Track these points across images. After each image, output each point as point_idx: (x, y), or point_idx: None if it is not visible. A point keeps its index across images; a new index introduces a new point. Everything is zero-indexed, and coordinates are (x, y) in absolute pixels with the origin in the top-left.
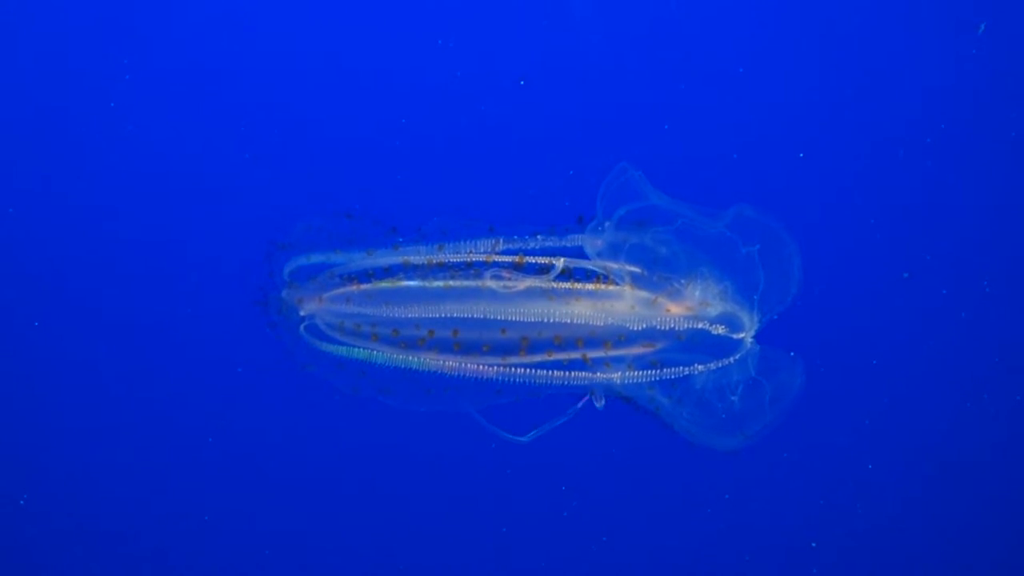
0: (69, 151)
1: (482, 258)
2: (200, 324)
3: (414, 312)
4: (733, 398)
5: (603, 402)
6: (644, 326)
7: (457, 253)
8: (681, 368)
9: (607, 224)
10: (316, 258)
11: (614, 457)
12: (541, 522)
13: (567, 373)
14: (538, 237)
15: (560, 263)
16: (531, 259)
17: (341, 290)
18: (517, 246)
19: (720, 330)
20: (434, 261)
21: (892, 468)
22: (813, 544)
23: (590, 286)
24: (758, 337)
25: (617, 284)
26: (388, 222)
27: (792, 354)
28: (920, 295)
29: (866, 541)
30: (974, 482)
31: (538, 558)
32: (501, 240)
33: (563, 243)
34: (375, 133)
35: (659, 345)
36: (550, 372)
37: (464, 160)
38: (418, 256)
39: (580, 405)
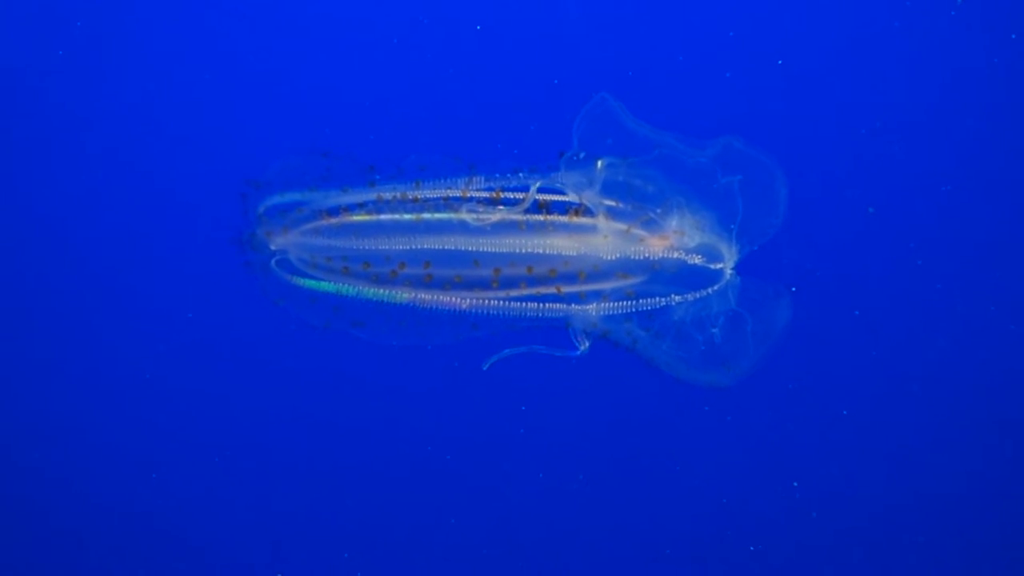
0: (36, 108)
1: (458, 194)
2: (174, 265)
3: (384, 244)
4: (714, 330)
5: (587, 345)
6: (618, 256)
7: (434, 189)
8: (658, 299)
9: (582, 155)
10: (291, 196)
11: (592, 395)
12: (513, 459)
13: (542, 305)
14: (519, 175)
15: (532, 190)
16: (509, 194)
17: (312, 224)
18: (497, 183)
19: (697, 260)
20: (409, 197)
21: (877, 410)
22: (795, 484)
23: (564, 218)
24: (748, 271)
25: (592, 215)
26: (366, 160)
27: (777, 287)
28: (915, 234)
29: (850, 484)
30: (962, 427)
31: (512, 498)
32: (482, 177)
33: (543, 180)
34: (355, 71)
35: (634, 277)
36: (525, 304)
37: (444, 97)
38: (394, 192)
39: (562, 352)
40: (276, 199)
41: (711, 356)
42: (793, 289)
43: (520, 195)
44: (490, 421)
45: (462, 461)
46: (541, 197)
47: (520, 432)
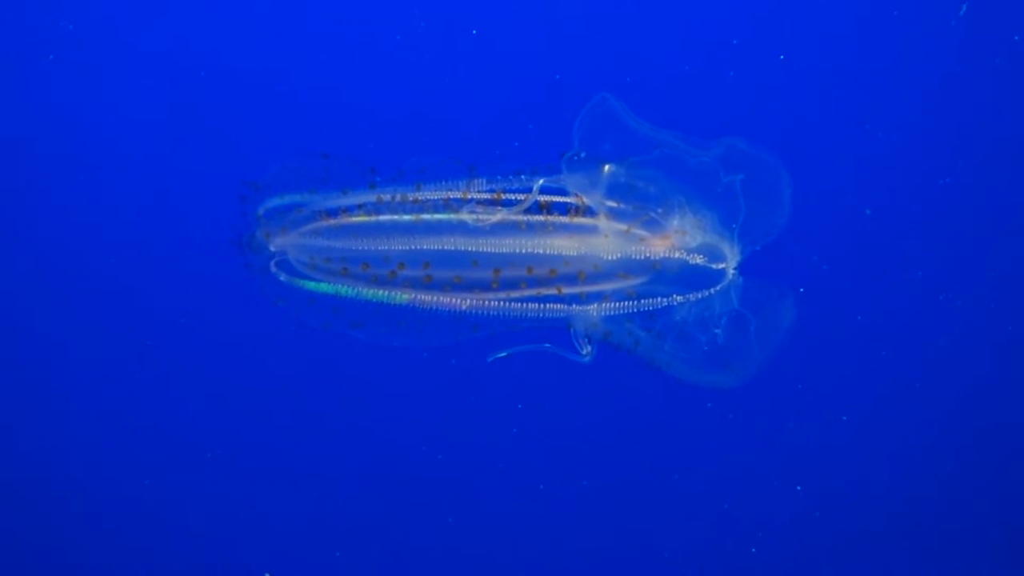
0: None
1: (459, 195)
2: (173, 266)
3: (383, 245)
4: (716, 331)
5: (589, 350)
6: (619, 256)
7: (434, 191)
8: (660, 299)
9: (583, 155)
10: (291, 198)
11: (593, 397)
12: (512, 460)
13: (543, 306)
14: (521, 177)
15: (535, 190)
16: (510, 195)
17: (311, 225)
18: (498, 185)
19: (698, 259)
20: (410, 198)
21: (881, 413)
22: (798, 488)
23: (564, 219)
24: (753, 271)
25: (592, 216)
26: (367, 162)
27: (781, 287)
28: (920, 235)
29: (854, 487)
30: (967, 430)
31: (511, 500)
32: (483, 180)
33: (545, 180)
34: (354, 72)
35: (636, 277)
36: (525, 305)
37: (444, 99)
38: (394, 194)
39: (572, 355)
40: (275, 201)
41: (714, 357)
42: (801, 290)
43: (521, 196)
44: (488, 421)
45: (460, 461)
46: (542, 198)
47: (513, 431)
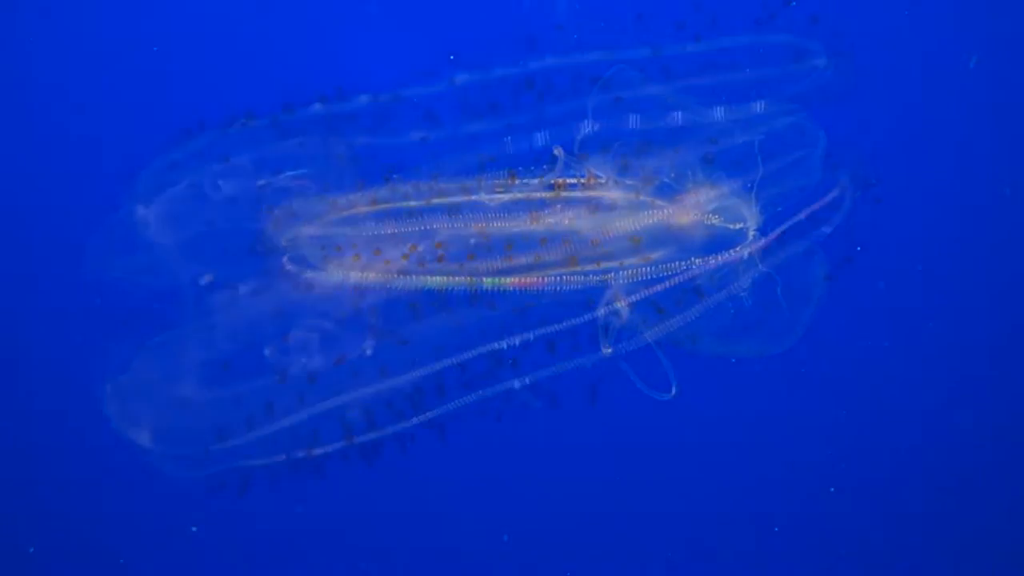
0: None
1: (474, 183)
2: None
3: (395, 228)
4: (742, 294)
5: (610, 349)
6: (635, 225)
7: (450, 183)
8: (678, 264)
9: (595, 125)
10: (302, 195)
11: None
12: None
13: (561, 279)
14: (543, 167)
15: (560, 158)
16: (524, 180)
17: (323, 217)
18: (512, 171)
19: (714, 220)
20: (424, 188)
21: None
22: (832, 489)
23: (577, 193)
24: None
25: (607, 188)
26: (383, 160)
27: (807, 245)
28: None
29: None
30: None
31: (516, 498)
32: (505, 170)
33: (563, 154)
34: (368, 67)
35: (653, 244)
36: (543, 280)
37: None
38: (408, 185)
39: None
40: (287, 197)
41: (743, 322)
42: (859, 248)
43: (534, 180)
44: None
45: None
46: (558, 180)
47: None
